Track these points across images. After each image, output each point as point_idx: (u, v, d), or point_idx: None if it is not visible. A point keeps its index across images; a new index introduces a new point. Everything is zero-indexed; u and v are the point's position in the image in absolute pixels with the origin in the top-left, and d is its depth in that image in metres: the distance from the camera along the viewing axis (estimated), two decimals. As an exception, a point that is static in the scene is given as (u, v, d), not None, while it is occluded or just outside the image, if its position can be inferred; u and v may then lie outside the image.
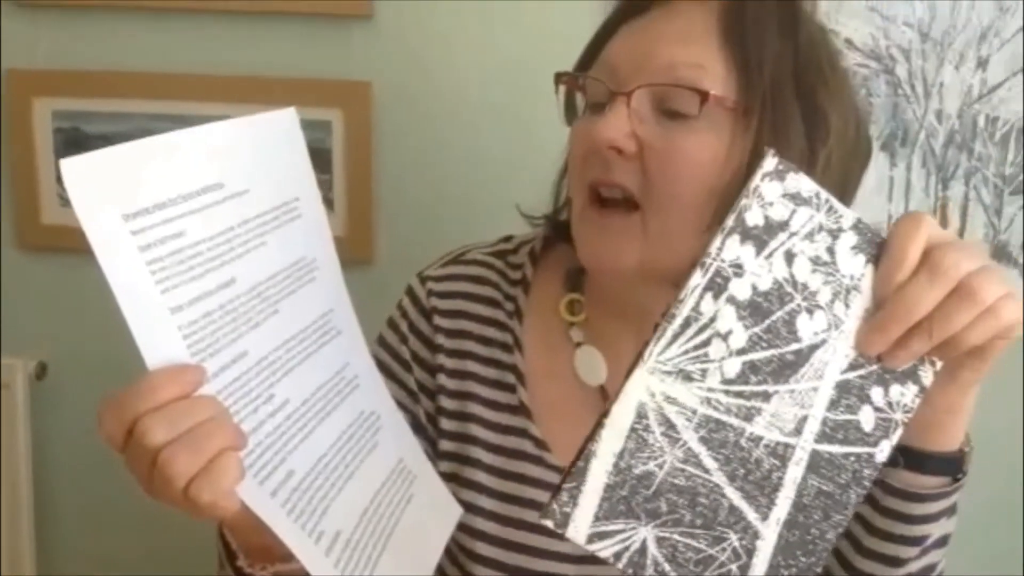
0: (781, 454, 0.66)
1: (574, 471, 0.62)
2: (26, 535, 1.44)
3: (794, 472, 0.67)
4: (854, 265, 0.66)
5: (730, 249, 0.63)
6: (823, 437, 0.67)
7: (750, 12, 0.80)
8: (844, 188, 0.84)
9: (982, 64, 1.26)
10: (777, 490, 0.67)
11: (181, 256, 0.62)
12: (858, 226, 0.66)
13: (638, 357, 0.63)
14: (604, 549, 0.64)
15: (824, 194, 0.65)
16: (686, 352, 0.64)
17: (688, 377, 0.64)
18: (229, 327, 0.65)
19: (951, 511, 0.76)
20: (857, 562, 0.77)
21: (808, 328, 0.66)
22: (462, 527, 0.88)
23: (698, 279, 0.63)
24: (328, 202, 1.36)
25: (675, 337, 0.63)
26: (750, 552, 0.67)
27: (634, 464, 0.63)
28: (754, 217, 0.64)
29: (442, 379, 0.92)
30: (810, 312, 0.65)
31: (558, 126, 0.91)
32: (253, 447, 0.65)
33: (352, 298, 0.80)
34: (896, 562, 0.76)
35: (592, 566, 0.87)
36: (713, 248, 0.63)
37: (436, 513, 0.83)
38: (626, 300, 0.88)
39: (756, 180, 0.64)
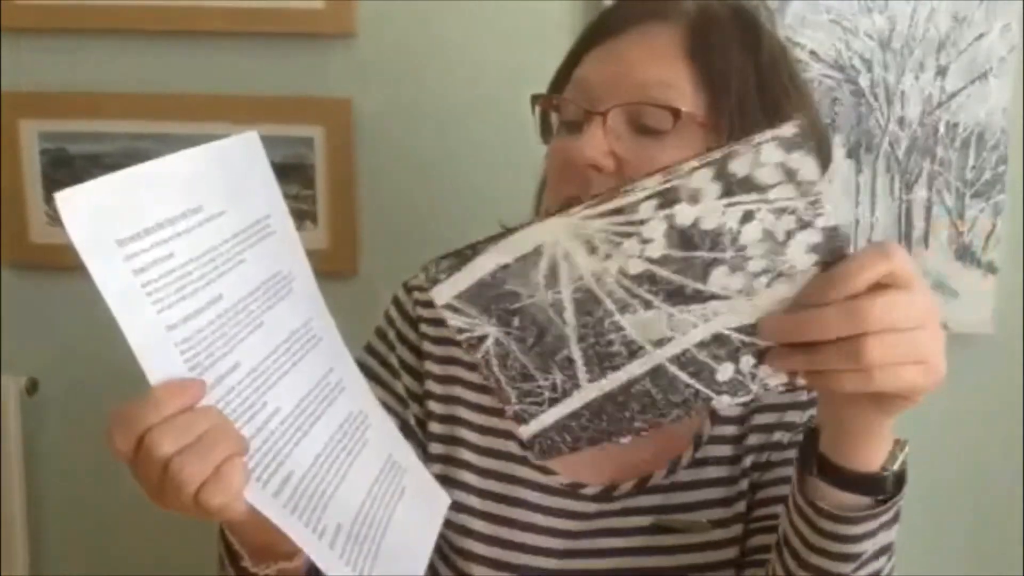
0: (632, 350, 0.70)
1: (459, 253, 0.68)
2: (20, 549, 1.45)
3: (634, 368, 0.71)
4: (801, 259, 0.64)
5: (699, 178, 0.63)
6: (675, 360, 0.70)
7: (713, 32, 0.84)
8: None
9: (941, 72, 1.31)
10: (613, 370, 0.71)
11: (172, 277, 0.65)
12: (830, 231, 0.64)
13: (563, 208, 0.65)
14: (452, 320, 0.71)
15: (819, 187, 0.62)
16: (604, 231, 0.65)
17: (593, 250, 0.66)
18: (221, 341, 0.68)
19: (889, 524, 0.75)
20: (799, 574, 0.78)
21: (720, 280, 0.66)
22: (453, 526, 0.91)
23: (654, 184, 0.63)
24: (312, 216, 1.39)
25: (603, 215, 0.65)
26: (566, 393, 0.73)
27: (509, 281, 0.68)
28: (739, 167, 0.62)
29: (430, 385, 0.95)
30: (732, 270, 0.65)
31: (537, 141, 0.94)
32: (252, 452, 0.68)
33: (337, 310, 0.83)
34: None
35: (574, 560, 0.91)
36: (686, 167, 0.62)
37: (427, 504, 0.86)
38: None
39: (763, 137, 0.61)
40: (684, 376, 0.70)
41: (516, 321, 0.70)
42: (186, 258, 0.66)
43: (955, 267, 1.34)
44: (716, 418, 0.92)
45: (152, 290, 0.63)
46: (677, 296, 0.67)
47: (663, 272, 0.66)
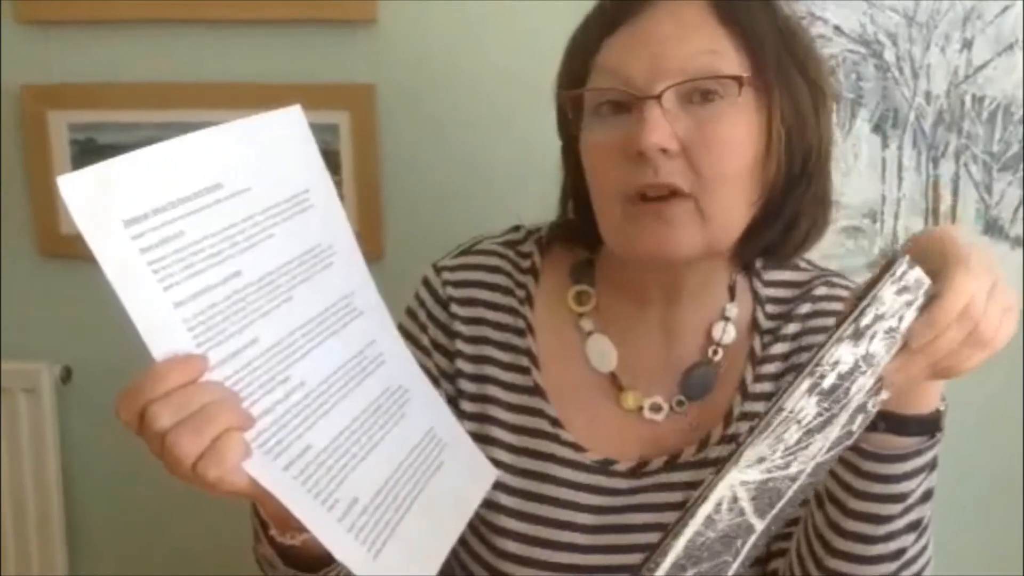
0: (795, 477, 0.71)
1: (657, 556, 0.67)
2: (56, 535, 1.47)
3: (799, 483, 0.72)
4: (910, 317, 0.68)
5: (837, 353, 0.65)
6: (827, 451, 0.71)
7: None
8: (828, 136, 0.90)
9: (967, 45, 1.30)
10: (780, 498, 0.72)
11: (181, 255, 0.66)
12: (927, 288, 0.68)
13: (728, 459, 0.66)
14: None
15: (926, 280, 0.67)
16: (769, 444, 0.67)
17: (762, 460, 0.67)
18: (237, 316, 0.69)
19: (931, 466, 0.79)
20: (844, 524, 0.80)
21: (859, 384, 0.68)
22: (484, 502, 0.92)
23: (805, 386, 0.65)
24: (339, 201, 1.40)
25: (768, 434, 0.66)
26: (743, 544, 0.73)
27: (699, 540, 0.68)
28: (866, 319, 0.65)
29: (460, 363, 0.96)
30: (864, 373, 0.68)
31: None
32: (268, 425, 0.69)
33: (365, 291, 0.84)
34: (881, 519, 0.79)
35: (604, 535, 0.92)
36: (827, 359, 0.65)
37: (468, 477, 0.87)
38: (649, 286, 0.93)
39: (884, 288, 0.65)
40: (834, 454, 0.73)
41: (705, 554, 0.70)
42: (199, 236, 0.68)
43: (982, 241, 1.33)
44: (746, 395, 0.93)
45: (159, 268, 0.65)
46: (827, 425, 0.69)
47: (818, 422, 0.68)
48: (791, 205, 0.87)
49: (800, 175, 0.87)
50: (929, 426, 0.77)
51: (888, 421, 0.76)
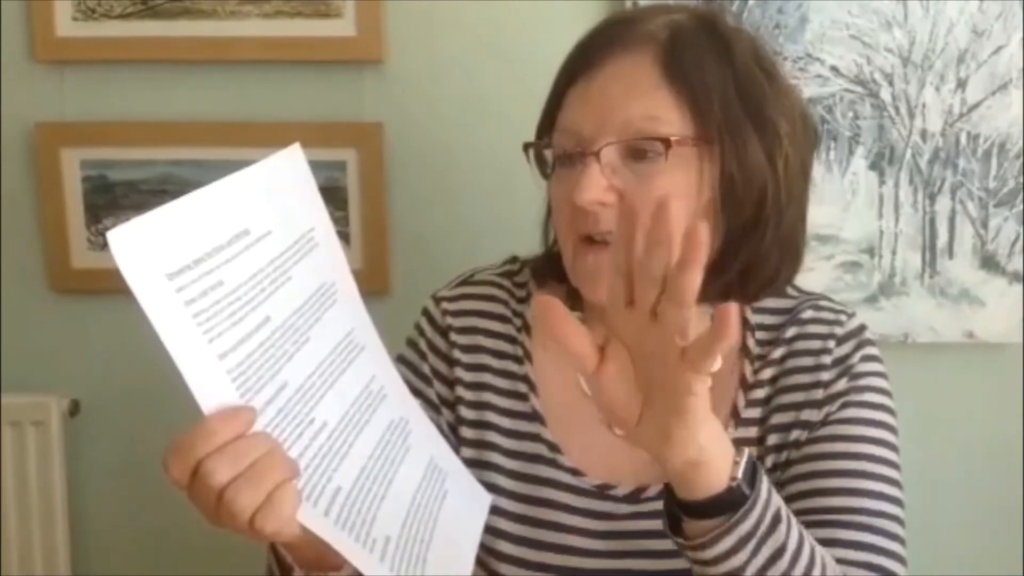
0: None
1: None
2: (62, 567, 1.47)
3: None
4: None
5: None
6: None
7: (686, 52, 0.86)
8: (805, 176, 0.92)
9: (961, 85, 1.33)
10: None
11: (222, 304, 0.65)
12: None
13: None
14: None
15: None
16: None
17: None
18: (269, 363, 0.69)
19: (759, 535, 0.73)
20: None
21: None
22: (485, 528, 0.93)
23: None
24: (345, 237, 1.42)
25: None
26: None
27: None
28: None
29: (460, 391, 0.98)
30: None
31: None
32: (302, 471, 0.68)
33: (369, 327, 0.85)
34: None
35: (607, 560, 0.92)
36: None
37: (470, 503, 0.87)
38: None
39: None
40: None
41: None
42: (235, 284, 0.67)
43: (980, 276, 1.35)
44: (739, 420, 0.94)
45: (203, 320, 0.64)
46: None
47: None
48: (747, 250, 0.89)
49: (754, 221, 0.88)
50: (725, 503, 0.72)
51: (688, 509, 0.73)
